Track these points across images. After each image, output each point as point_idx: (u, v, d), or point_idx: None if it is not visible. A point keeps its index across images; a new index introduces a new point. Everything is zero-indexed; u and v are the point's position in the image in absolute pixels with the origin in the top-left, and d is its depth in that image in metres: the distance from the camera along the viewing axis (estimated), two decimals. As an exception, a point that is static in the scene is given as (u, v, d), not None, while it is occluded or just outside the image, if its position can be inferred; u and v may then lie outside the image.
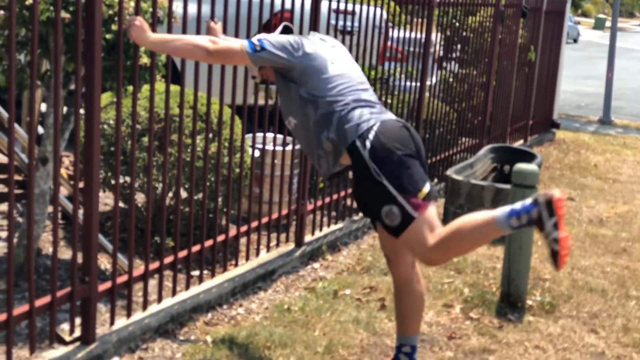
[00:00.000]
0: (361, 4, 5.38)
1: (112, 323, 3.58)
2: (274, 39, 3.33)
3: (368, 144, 3.16)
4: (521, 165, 4.52)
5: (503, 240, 4.71)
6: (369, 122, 3.22)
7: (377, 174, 3.13)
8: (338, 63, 3.36)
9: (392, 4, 6.39)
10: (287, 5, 4.70)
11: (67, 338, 3.38)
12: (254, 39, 3.31)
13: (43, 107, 4.44)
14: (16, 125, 3.91)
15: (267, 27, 4.56)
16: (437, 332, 4.16)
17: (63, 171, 4.80)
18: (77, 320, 3.43)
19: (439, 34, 7.18)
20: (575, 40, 39.69)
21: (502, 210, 3.13)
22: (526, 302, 4.54)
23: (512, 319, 4.39)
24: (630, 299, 4.86)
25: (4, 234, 4.41)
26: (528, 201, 3.11)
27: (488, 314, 4.43)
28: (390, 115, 3.33)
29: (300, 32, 4.67)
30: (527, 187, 4.44)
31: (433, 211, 3.22)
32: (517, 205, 3.12)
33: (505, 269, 4.53)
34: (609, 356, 4.06)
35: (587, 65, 24.90)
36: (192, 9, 3.82)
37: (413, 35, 6.45)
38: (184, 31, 3.70)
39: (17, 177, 4.70)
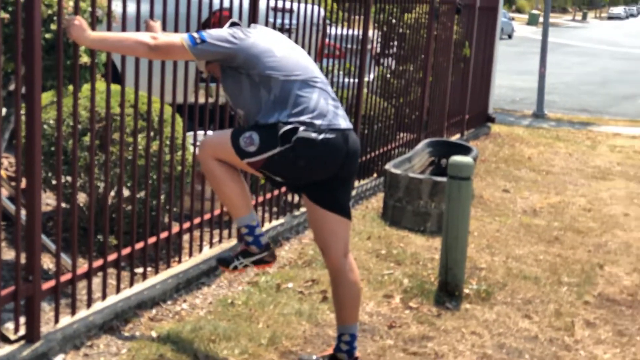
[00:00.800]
0: (299, 2, 5.46)
1: (56, 321, 3.60)
2: (215, 32, 3.40)
3: (304, 133, 3.29)
4: (456, 158, 4.67)
5: (441, 231, 4.86)
6: (324, 119, 3.33)
7: (280, 145, 3.29)
8: (282, 46, 3.45)
9: (329, 1, 6.50)
10: (226, 4, 4.76)
11: (12, 337, 3.40)
12: (194, 33, 3.37)
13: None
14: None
15: (206, 26, 4.62)
16: (378, 321, 4.28)
17: (3, 172, 4.77)
18: (22, 320, 3.44)
19: (376, 31, 7.31)
20: (509, 36, 40.50)
21: (251, 217, 3.53)
22: (463, 290, 4.69)
23: (449, 307, 4.53)
24: (562, 285, 5.05)
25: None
26: (265, 240, 3.56)
27: (427, 303, 4.57)
28: (339, 121, 3.42)
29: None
30: (463, 178, 4.60)
31: (240, 166, 3.44)
32: (258, 230, 3.55)
33: (443, 258, 4.67)
34: (541, 339, 4.23)
35: (521, 61, 25.45)
36: (131, 8, 3.86)
37: (350, 32, 6.57)
38: (123, 30, 3.73)
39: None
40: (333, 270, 3.60)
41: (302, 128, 3.27)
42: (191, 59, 3.40)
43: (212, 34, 3.36)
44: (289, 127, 3.27)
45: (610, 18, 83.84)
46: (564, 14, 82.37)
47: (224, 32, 3.39)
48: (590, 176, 8.65)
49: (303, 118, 3.29)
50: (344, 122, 3.41)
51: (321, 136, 3.29)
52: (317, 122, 3.30)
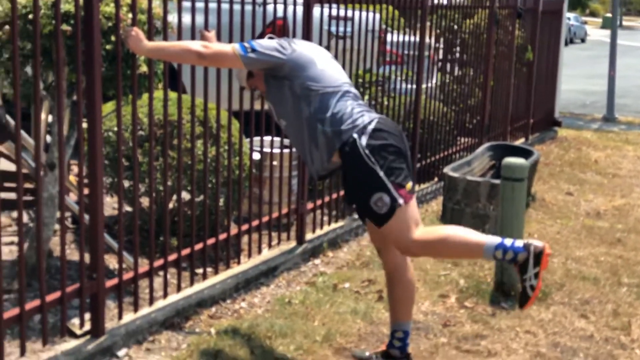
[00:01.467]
0: (353, 10, 5.58)
1: (120, 317, 3.79)
2: (264, 42, 3.55)
3: (365, 137, 3.38)
4: (510, 160, 4.70)
5: (499, 233, 4.89)
6: (364, 118, 3.44)
7: (371, 162, 3.35)
8: (323, 60, 3.58)
9: (389, 7, 6.59)
10: (280, 14, 4.91)
11: (78, 332, 3.59)
12: (245, 42, 3.53)
13: (50, 117, 4.65)
14: (25, 135, 4.15)
15: (261, 37, 4.76)
16: (433, 320, 4.34)
17: (72, 178, 5.02)
18: (87, 316, 3.64)
19: (436, 37, 7.38)
20: (582, 40, 39.83)
21: (493, 239, 3.39)
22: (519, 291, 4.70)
23: (505, 306, 4.56)
24: (621, 286, 5.02)
25: (15, 239, 4.62)
26: (519, 243, 3.37)
27: (482, 303, 4.61)
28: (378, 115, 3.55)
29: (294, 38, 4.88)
30: (516, 180, 4.63)
31: (416, 207, 3.46)
32: (508, 241, 3.37)
33: (498, 259, 4.69)
34: (597, 339, 4.22)
35: (593, 64, 24.99)
36: (187, 19, 4.03)
37: (409, 38, 6.65)
38: (179, 40, 3.90)
39: (27, 185, 4.93)
40: (391, 268, 3.69)
41: (356, 130, 3.39)
42: (241, 67, 3.54)
43: (262, 44, 3.51)
44: (349, 143, 3.38)
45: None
46: (639, 17, 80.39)
47: (273, 42, 3.54)
48: (659, 179, 8.50)
49: (347, 126, 3.41)
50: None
51: (371, 121, 3.43)
52: (359, 121, 3.43)
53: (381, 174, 3.35)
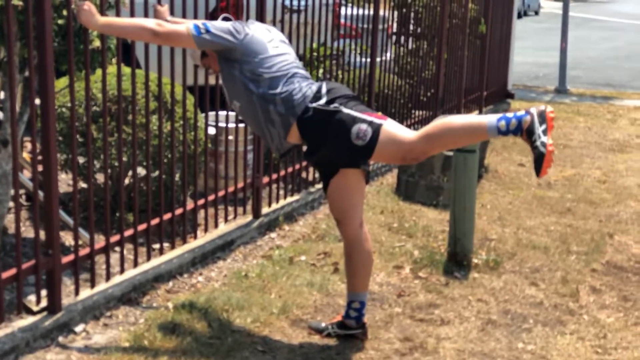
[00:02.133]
0: (307, -16, 5.59)
1: (77, 293, 3.80)
2: (218, 24, 3.56)
3: (323, 100, 3.47)
4: (462, 131, 4.76)
5: (449, 204, 4.98)
6: (313, 87, 3.54)
7: (334, 108, 3.45)
8: (275, 44, 3.61)
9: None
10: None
11: (35, 308, 3.60)
12: (199, 23, 3.53)
13: (1, 94, 4.61)
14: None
15: (214, 10, 4.76)
16: (387, 291, 4.42)
17: (26, 155, 4.98)
18: (43, 292, 3.64)
19: (391, 11, 7.41)
20: (536, 12, 40.13)
21: (493, 116, 3.40)
22: (472, 260, 4.82)
23: (458, 276, 4.66)
24: (570, 254, 5.16)
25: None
26: (521, 112, 3.37)
27: (436, 273, 4.70)
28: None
29: (248, 14, 4.88)
30: (468, 151, 4.71)
31: (394, 122, 3.56)
32: (509, 113, 3.39)
33: (452, 229, 4.80)
34: (546, 305, 4.35)
35: (547, 37, 25.26)
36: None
37: (363, 11, 6.68)
38: (132, 15, 3.90)
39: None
40: (349, 239, 3.75)
41: (311, 105, 3.51)
42: (193, 47, 3.54)
43: (216, 26, 3.52)
44: (308, 112, 3.48)
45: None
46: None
47: (227, 25, 3.55)
48: (608, 149, 8.70)
49: (296, 102, 3.50)
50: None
51: (324, 86, 3.57)
52: (309, 92, 3.53)
53: (346, 111, 3.44)
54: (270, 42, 3.61)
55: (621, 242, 5.46)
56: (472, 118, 3.52)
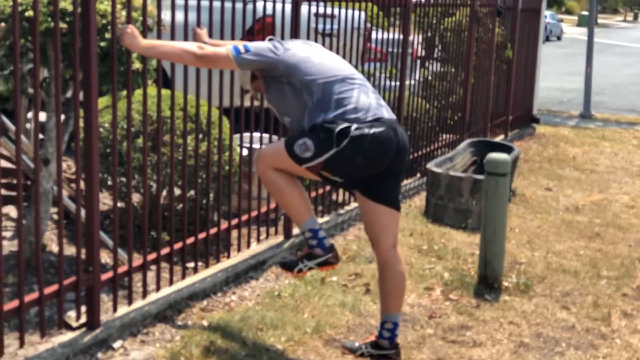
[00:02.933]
0: (339, 8, 5.67)
1: (114, 310, 3.86)
2: (257, 44, 3.64)
3: (360, 131, 3.48)
4: (493, 155, 4.82)
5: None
6: (369, 113, 3.55)
7: (337, 144, 3.48)
8: (318, 54, 3.67)
9: (372, 6, 6.69)
10: (269, 11, 4.99)
11: (74, 324, 3.66)
12: (239, 44, 3.61)
13: (43, 114, 4.71)
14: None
15: (251, 32, 4.85)
16: (419, 312, 4.45)
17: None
18: (83, 308, 3.70)
19: (418, 35, 7.49)
20: (558, 38, 40.22)
21: (313, 222, 3.70)
22: (502, 283, 4.83)
23: (489, 299, 4.68)
24: (601, 279, 5.16)
25: (6, 234, 4.67)
26: (327, 242, 3.70)
27: (467, 295, 4.72)
28: (382, 112, 3.62)
29: (282, 36, 4.96)
30: (499, 175, 4.75)
31: (305, 175, 3.72)
32: (322, 233, 3.69)
33: (482, 252, 4.82)
34: (578, 329, 4.35)
35: (570, 62, 25.28)
36: (179, 17, 4.10)
37: (391, 36, 6.75)
38: (172, 38, 3.99)
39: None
40: (382, 261, 3.79)
41: (354, 127, 3.47)
42: (234, 67, 3.62)
43: (255, 45, 3.60)
44: (342, 126, 3.47)
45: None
46: (614, 14, 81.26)
47: (265, 43, 3.63)
48: (635, 174, 8.68)
49: (349, 115, 3.49)
50: (387, 113, 3.62)
51: (372, 130, 3.49)
52: (363, 116, 3.51)
53: (332, 151, 3.47)
54: (314, 52, 3.66)
55: (651, 267, 5.46)
56: (302, 207, 3.67)
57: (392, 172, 3.67)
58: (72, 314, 3.71)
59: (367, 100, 3.58)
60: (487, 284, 4.80)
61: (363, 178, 3.66)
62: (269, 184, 3.66)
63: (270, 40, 3.70)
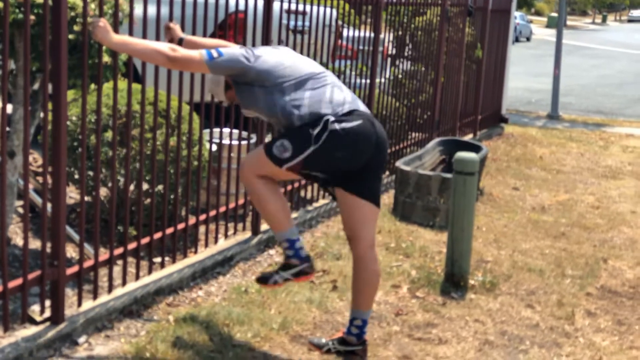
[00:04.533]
0: (312, 5, 5.67)
1: (79, 305, 3.83)
2: (230, 49, 3.64)
3: (338, 124, 3.49)
4: (461, 154, 4.85)
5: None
6: (345, 106, 3.56)
7: (315, 142, 3.49)
8: (289, 58, 3.67)
9: (344, 4, 6.69)
10: (241, 7, 4.98)
11: (38, 318, 3.63)
12: (213, 50, 3.59)
13: (9, 107, 4.65)
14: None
15: (222, 28, 4.84)
16: (385, 309, 4.47)
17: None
18: (47, 303, 3.67)
19: (389, 33, 7.52)
20: (528, 39, 40.56)
21: (291, 232, 3.71)
22: (469, 281, 4.87)
23: (455, 296, 4.71)
24: (565, 277, 5.22)
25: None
26: (304, 253, 3.73)
27: (433, 293, 4.75)
28: (358, 104, 3.65)
29: (254, 32, 4.96)
30: (468, 174, 4.78)
31: (285, 177, 3.78)
32: (299, 244, 3.72)
33: (449, 250, 4.86)
34: (542, 327, 4.40)
35: (538, 63, 25.53)
36: (151, 10, 4.08)
37: (362, 34, 6.77)
38: (144, 32, 3.96)
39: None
40: (358, 258, 3.80)
41: (331, 119, 3.49)
42: (206, 72, 3.60)
43: (228, 52, 3.59)
44: (319, 123, 3.48)
45: (630, 21, 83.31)
46: (583, 16, 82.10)
47: (238, 50, 3.63)
48: (601, 175, 8.79)
49: (324, 111, 3.51)
50: (362, 107, 3.65)
51: (350, 124, 3.51)
52: (338, 109, 3.53)
53: (311, 149, 3.48)
54: (285, 57, 3.66)
55: (615, 267, 5.53)
56: (282, 215, 3.68)
57: (372, 167, 3.68)
58: (36, 308, 3.68)
59: (341, 94, 3.60)
60: (454, 282, 4.84)
61: (344, 172, 3.66)
62: (251, 191, 3.68)
63: (241, 47, 3.70)
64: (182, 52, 3.55)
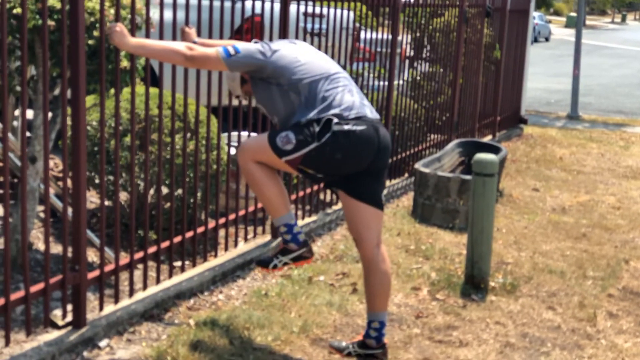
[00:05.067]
0: (329, 7, 5.68)
1: (101, 309, 3.85)
2: (246, 45, 3.64)
3: (341, 126, 3.49)
4: (480, 156, 4.83)
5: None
6: (353, 111, 3.56)
7: (317, 139, 3.50)
8: (306, 54, 3.68)
9: (362, 6, 6.69)
10: (258, 10, 4.99)
11: (60, 322, 3.65)
12: (229, 46, 3.60)
13: (30, 112, 4.69)
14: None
15: (239, 32, 4.85)
16: (406, 312, 4.46)
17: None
18: (69, 307, 3.69)
19: (407, 35, 7.51)
20: (547, 39, 40.37)
21: (290, 217, 3.73)
22: (489, 283, 4.85)
23: (475, 299, 4.69)
24: (587, 279, 5.18)
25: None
26: (302, 237, 3.75)
27: (453, 295, 4.74)
28: (365, 111, 3.63)
29: (271, 36, 4.96)
30: (487, 175, 4.76)
31: (283, 169, 3.70)
32: (297, 229, 3.75)
33: (469, 252, 4.84)
34: (564, 329, 4.37)
35: (558, 63, 25.39)
36: (168, 15, 4.10)
37: (380, 36, 6.76)
38: (161, 36, 3.98)
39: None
40: (366, 259, 3.79)
41: (334, 121, 3.49)
42: (224, 69, 3.61)
43: (244, 47, 3.61)
44: (323, 121, 3.48)
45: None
46: (602, 16, 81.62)
47: (254, 45, 3.64)
48: (622, 175, 8.73)
49: (332, 111, 3.52)
50: (370, 113, 3.64)
51: (354, 127, 3.51)
52: (346, 113, 3.52)
53: (313, 145, 3.48)
54: (301, 53, 3.67)
55: (637, 268, 5.49)
56: (279, 202, 3.69)
57: (373, 172, 3.69)
58: (58, 312, 3.70)
59: (351, 98, 3.60)
60: (474, 284, 4.82)
61: (344, 175, 3.67)
62: (249, 176, 3.68)
63: (256, 42, 3.71)
64: (199, 50, 3.56)
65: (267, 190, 3.66)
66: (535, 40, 37.27)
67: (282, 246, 3.80)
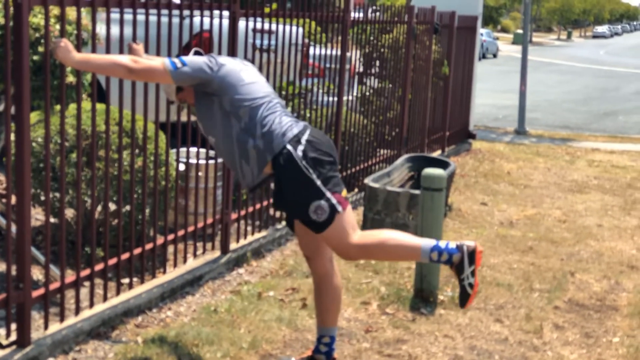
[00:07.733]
0: (277, 23, 5.69)
1: (46, 327, 3.79)
2: (193, 58, 3.62)
3: (301, 147, 3.50)
4: (429, 171, 4.88)
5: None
6: (294, 130, 3.56)
7: (309, 172, 3.48)
8: (249, 75, 3.67)
9: (311, 22, 6.72)
10: (206, 26, 4.98)
11: (4, 342, 3.58)
12: (174, 58, 3.58)
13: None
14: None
15: (188, 48, 4.83)
16: (355, 326, 4.47)
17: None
18: (13, 326, 3.63)
19: (356, 51, 7.57)
20: (494, 55, 41.01)
21: (428, 242, 3.57)
22: (438, 297, 4.89)
23: (424, 312, 4.73)
24: (533, 292, 5.26)
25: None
26: (452, 245, 3.55)
27: (403, 309, 4.76)
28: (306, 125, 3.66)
29: (219, 52, 4.96)
30: (435, 189, 4.81)
31: (351, 212, 3.63)
32: (442, 243, 3.55)
33: (418, 266, 4.87)
34: (511, 341, 4.43)
35: (505, 79, 25.79)
36: (115, 31, 4.07)
37: (330, 52, 6.80)
38: (108, 52, 3.95)
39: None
40: (319, 274, 3.80)
41: (290, 147, 3.49)
42: (170, 82, 3.58)
43: (191, 60, 3.57)
44: (285, 152, 3.48)
45: (595, 37, 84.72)
46: (549, 33, 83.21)
47: (202, 58, 3.60)
48: (567, 189, 8.89)
49: (278, 142, 3.51)
50: (297, 129, 3.64)
51: (307, 138, 3.55)
52: (289, 134, 3.54)
53: (318, 182, 3.48)
54: (246, 72, 3.67)
55: (582, 280, 5.58)
56: (409, 240, 3.59)
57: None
58: (2, 331, 3.64)
59: (287, 119, 3.62)
60: (423, 298, 4.86)
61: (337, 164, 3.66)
62: (369, 254, 3.68)
63: (197, 53, 3.69)
64: (143, 62, 3.53)
65: (391, 249, 3.57)
66: (483, 56, 37.84)
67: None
